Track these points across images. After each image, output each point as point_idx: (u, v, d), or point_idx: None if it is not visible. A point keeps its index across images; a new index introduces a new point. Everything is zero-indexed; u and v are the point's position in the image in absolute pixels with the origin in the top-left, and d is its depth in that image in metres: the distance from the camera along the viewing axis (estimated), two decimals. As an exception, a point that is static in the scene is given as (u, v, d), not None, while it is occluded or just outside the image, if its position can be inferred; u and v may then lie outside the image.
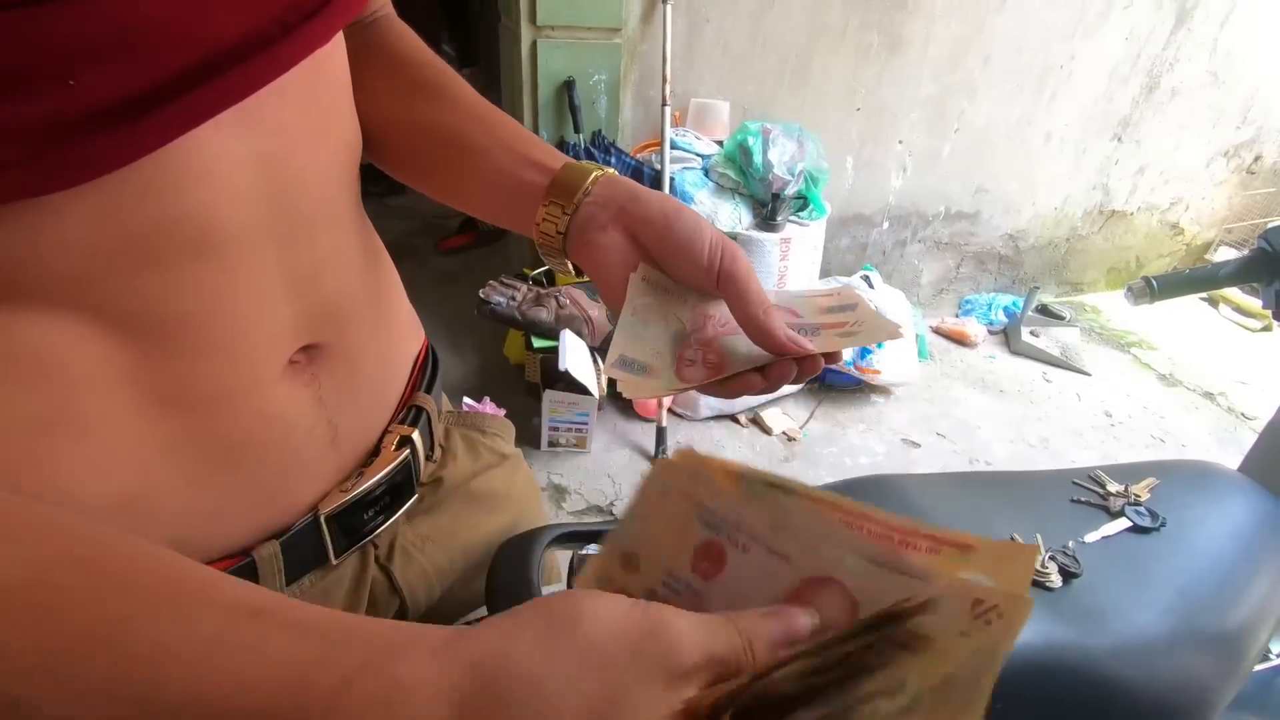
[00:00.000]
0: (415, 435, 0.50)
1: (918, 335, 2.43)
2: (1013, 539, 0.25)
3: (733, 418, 2.10)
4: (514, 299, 1.89)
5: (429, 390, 0.54)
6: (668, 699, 0.24)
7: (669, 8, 1.92)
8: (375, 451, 0.48)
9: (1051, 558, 0.61)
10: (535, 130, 2.03)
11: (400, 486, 0.49)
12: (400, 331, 0.52)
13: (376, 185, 2.59)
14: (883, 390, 2.27)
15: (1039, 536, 0.62)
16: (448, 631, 0.25)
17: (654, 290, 0.42)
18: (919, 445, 2.12)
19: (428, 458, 0.53)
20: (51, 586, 0.24)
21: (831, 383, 2.24)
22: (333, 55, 0.39)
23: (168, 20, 0.28)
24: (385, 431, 0.49)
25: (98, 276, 0.31)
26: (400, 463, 0.48)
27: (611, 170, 0.44)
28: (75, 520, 0.27)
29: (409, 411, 0.51)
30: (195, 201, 0.32)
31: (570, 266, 0.45)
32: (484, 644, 0.24)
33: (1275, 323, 2.85)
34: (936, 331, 2.68)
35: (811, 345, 0.40)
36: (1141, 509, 0.69)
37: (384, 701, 0.23)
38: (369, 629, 0.25)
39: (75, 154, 0.28)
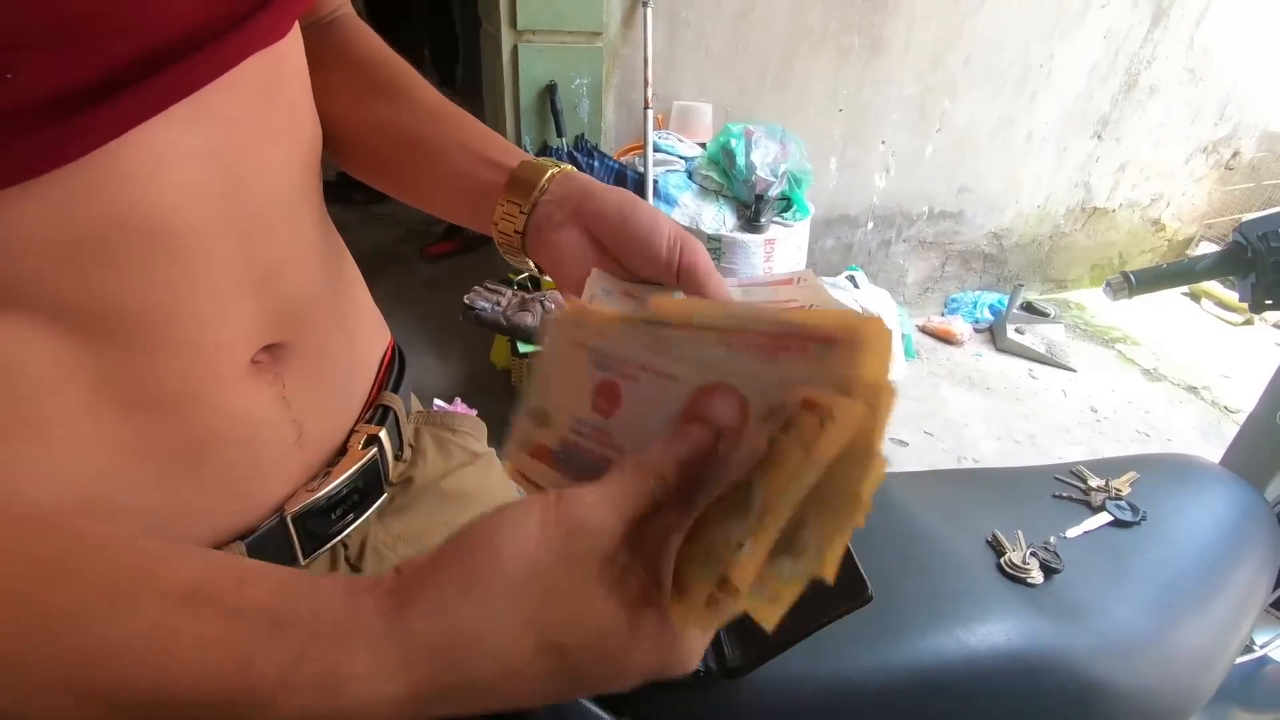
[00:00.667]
0: (383, 434, 0.49)
1: (904, 335, 2.44)
2: (863, 313, 0.25)
3: (721, 420, 2.10)
4: (499, 304, 1.89)
5: (396, 390, 0.54)
6: (606, 582, 0.26)
7: (649, 11, 1.92)
8: (342, 451, 0.48)
9: (1033, 554, 0.60)
10: (518, 135, 2.02)
11: (368, 486, 0.48)
12: (365, 331, 0.52)
13: (360, 193, 2.58)
14: (870, 390, 2.27)
15: (1020, 533, 0.62)
16: (384, 609, 0.26)
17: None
18: (907, 444, 2.13)
19: (397, 457, 0.53)
20: None
21: (819, 383, 2.24)
22: (289, 49, 0.39)
23: (110, 9, 0.28)
24: (352, 431, 0.49)
25: (50, 275, 0.30)
26: (367, 462, 0.47)
27: (568, 167, 0.43)
28: (22, 510, 0.27)
29: (376, 411, 0.51)
30: (148, 196, 0.31)
31: (532, 265, 0.45)
32: (417, 618, 0.25)
33: (1254, 316, 2.86)
34: (923, 330, 2.69)
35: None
36: (1122, 503, 0.69)
37: (326, 690, 0.24)
38: (313, 608, 0.26)
39: (18, 150, 0.27)
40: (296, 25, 0.40)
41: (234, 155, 0.35)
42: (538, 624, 0.25)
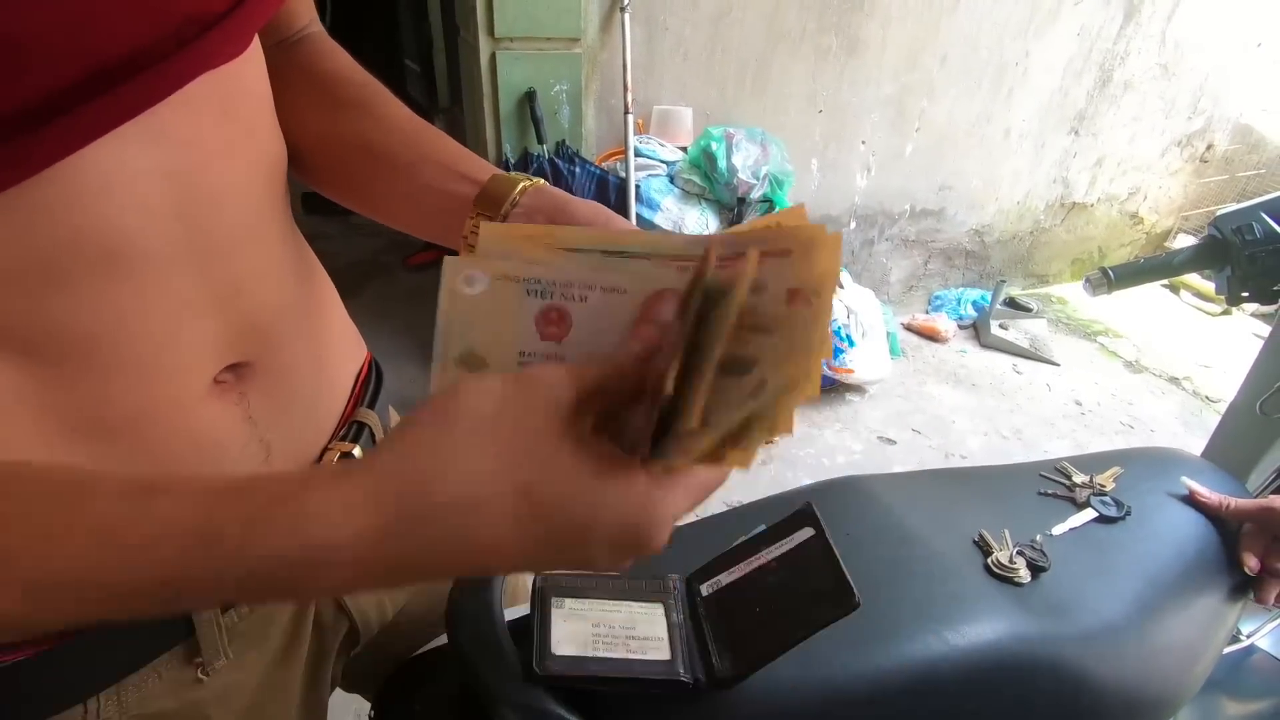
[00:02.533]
0: (357, 451, 0.49)
1: (889, 333, 2.45)
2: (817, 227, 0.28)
3: (709, 423, 2.10)
4: (483, 313, 1.88)
5: (372, 405, 0.53)
6: (570, 435, 0.27)
7: (627, 16, 1.92)
8: None
9: (1020, 553, 0.61)
10: (498, 142, 2.02)
11: None
12: (337, 347, 0.51)
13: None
14: (857, 389, 2.29)
15: (1006, 532, 0.62)
16: (345, 462, 0.28)
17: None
18: (895, 442, 2.13)
19: None
20: None
21: (806, 384, 2.24)
22: (246, 69, 0.38)
23: (45, 32, 0.27)
24: (325, 449, 0.48)
25: None
26: None
27: (540, 181, 0.43)
28: None
29: (350, 428, 0.50)
30: (98, 218, 0.31)
31: None
32: (382, 453, 0.26)
33: (1231, 307, 2.88)
34: (908, 328, 2.71)
35: None
36: (1107, 499, 0.69)
37: (296, 529, 0.24)
38: (269, 477, 0.27)
39: None
40: (256, 45, 0.39)
41: (190, 175, 0.34)
42: (502, 457, 0.26)
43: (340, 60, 0.49)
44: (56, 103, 0.28)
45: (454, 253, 0.44)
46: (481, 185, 0.43)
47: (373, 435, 0.51)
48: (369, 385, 0.54)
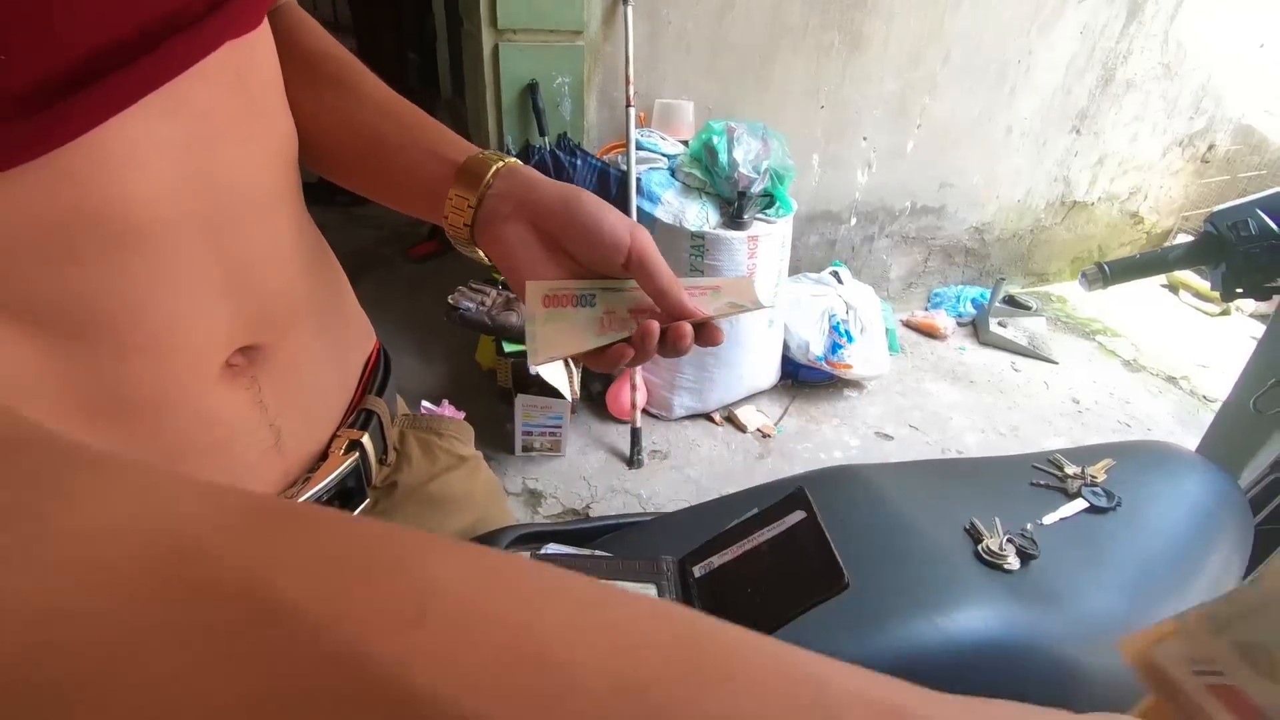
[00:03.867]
0: (365, 439, 0.49)
1: (888, 329, 2.46)
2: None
3: (707, 416, 2.10)
4: (484, 304, 1.88)
5: (380, 393, 0.53)
6: None
7: (630, 9, 1.92)
8: (323, 456, 0.47)
9: (1010, 540, 0.61)
10: (500, 134, 2.02)
11: (350, 491, 0.48)
12: (348, 334, 0.51)
13: (341, 195, 2.55)
14: (855, 385, 2.29)
15: (997, 521, 0.63)
16: None
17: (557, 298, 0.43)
18: (892, 438, 2.14)
19: (380, 461, 0.52)
20: (654, 686, 0.15)
21: (804, 379, 2.25)
22: (258, 42, 0.38)
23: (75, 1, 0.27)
24: (334, 436, 0.48)
25: (10, 273, 0.29)
26: (349, 466, 0.47)
27: (513, 160, 0.44)
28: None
29: (359, 415, 0.50)
30: (115, 189, 0.31)
31: (483, 255, 0.45)
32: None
33: (1229, 305, 2.88)
34: (907, 325, 2.71)
35: (710, 311, 0.43)
36: (1098, 490, 0.70)
37: None
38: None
39: None
40: (266, 22, 0.39)
41: (205, 147, 0.34)
42: None
43: (318, 34, 0.49)
44: (80, 73, 0.28)
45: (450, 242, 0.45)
46: (459, 165, 0.44)
47: (380, 423, 0.52)
48: (378, 373, 0.55)
